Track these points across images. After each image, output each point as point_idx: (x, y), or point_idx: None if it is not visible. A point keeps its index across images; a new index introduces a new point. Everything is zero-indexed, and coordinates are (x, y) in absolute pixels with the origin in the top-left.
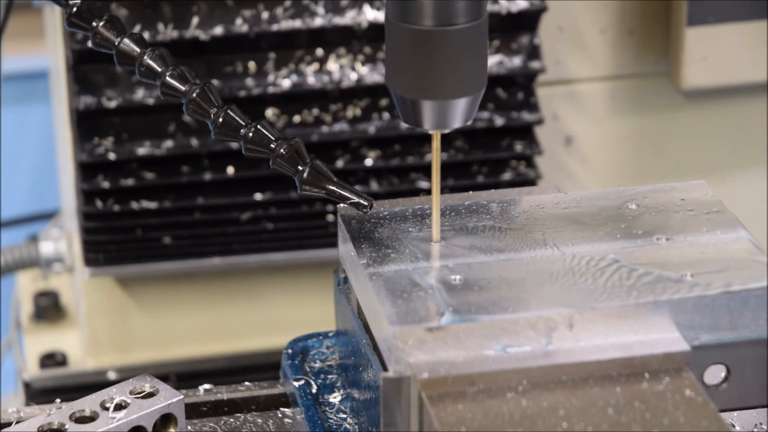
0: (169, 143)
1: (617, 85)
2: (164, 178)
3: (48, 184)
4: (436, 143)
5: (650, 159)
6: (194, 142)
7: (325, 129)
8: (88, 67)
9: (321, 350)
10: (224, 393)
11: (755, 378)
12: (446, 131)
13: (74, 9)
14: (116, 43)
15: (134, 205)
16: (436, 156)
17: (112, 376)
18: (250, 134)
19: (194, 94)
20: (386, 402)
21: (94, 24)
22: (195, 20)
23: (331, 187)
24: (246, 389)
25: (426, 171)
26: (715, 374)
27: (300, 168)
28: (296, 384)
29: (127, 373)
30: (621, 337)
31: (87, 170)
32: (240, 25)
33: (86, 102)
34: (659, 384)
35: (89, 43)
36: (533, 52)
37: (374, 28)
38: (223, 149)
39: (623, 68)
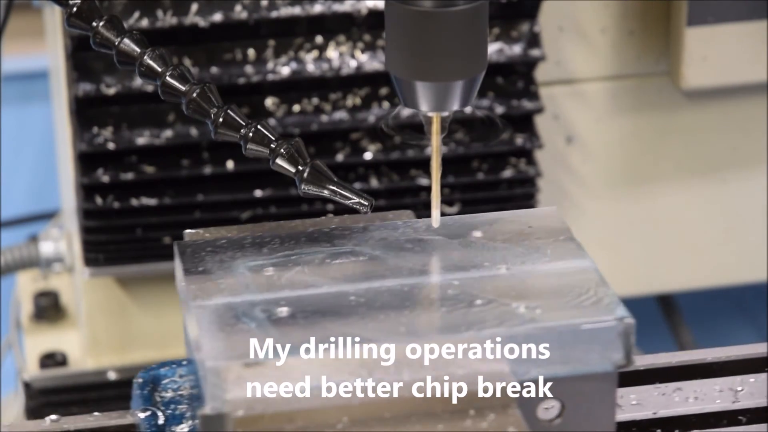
0: (168, 133)
1: (617, 85)
2: (164, 171)
3: (48, 184)
4: (435, 125)
5: (650, 159)
6: (194, 131)
7: (324, 118)
8: (86, 54)
9: (174, 379)
10: (71, 423)
11: (590, 413)
12: (445, 114)
13: (74, 9)
14: (116, 43)
15: (134, 201)
16: (435, 139)
17: (112, 376)
18: (251, 134)
19: (194, 94)
20: None
21: (94, 24)
22: (194, 7)
23: (331, 187)
24: (95, 419)
25: (426, 167)
26: (549, 409)
27: (300, 168)
28: (142, 415)
29: (127, 374)
30: (448, 371)
31: (86, 163)
32: (239, 12)
33: (85, 89)
34: (483, 421)
35: (90, 43)
36: (533, 40)
37: (374, 15)
38: (223, 140)
39: (623, 68)
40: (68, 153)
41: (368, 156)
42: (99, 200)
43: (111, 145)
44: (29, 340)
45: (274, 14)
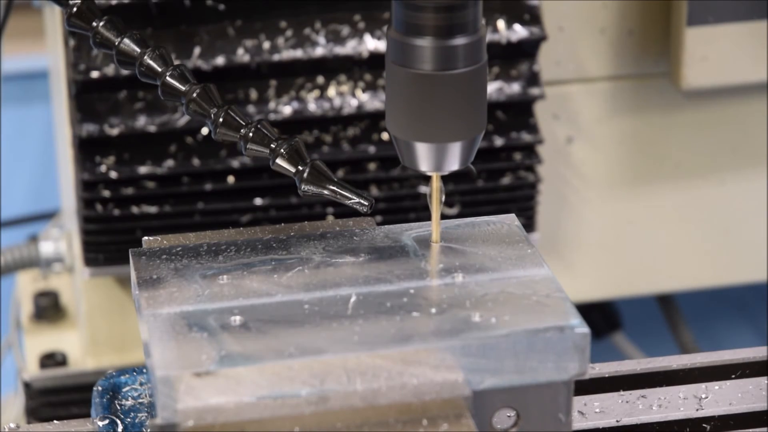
0: (170, 162)
1: (617, 86)
2: (165, 188)
3: (48, 184)
4: (435, 184)
5: (650, 159)
6: (195, 161)
7: (325, 149)
8: (90, 96)
9: (134, 387)
10: (32, 428)
11: (545, 422)
12: (444, 174)
13: (74, 9)
14: (116, 43)
15: (134, 209)
16: (435, 196)
17: None
18: (251, 134)
19: (194, 94)
20: None
21: (94, 24)
22: (197, 50)
23: (331, 187)
24: (54, 427)
25: (426, 178)
26: (504, 418)
27: (300, 168)
28: (101, 423)
29: None
30: (401, 381)
31: (88, 184)
32: (241, 56)
33: (89, 130)
34: (436, 430)
35: (90, 42)
36: (532, 79)
37: (375, 57)
38: (224, 168)
39: (623, 68)
40: (68, 156)
41: (369, 174)
42: (99, 207)
43: (113, 174)
44: (29, 340)
45: (276, 57)
